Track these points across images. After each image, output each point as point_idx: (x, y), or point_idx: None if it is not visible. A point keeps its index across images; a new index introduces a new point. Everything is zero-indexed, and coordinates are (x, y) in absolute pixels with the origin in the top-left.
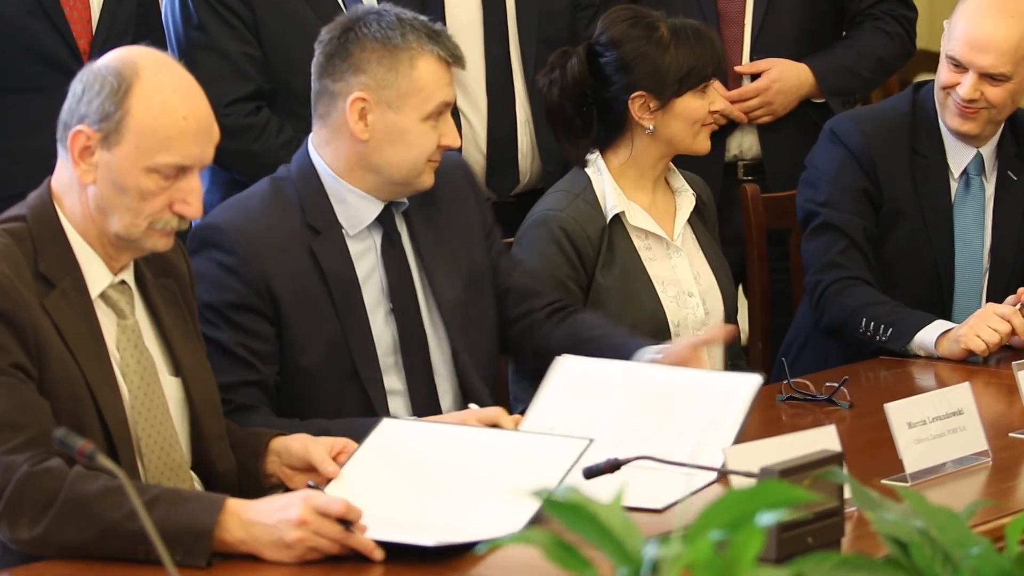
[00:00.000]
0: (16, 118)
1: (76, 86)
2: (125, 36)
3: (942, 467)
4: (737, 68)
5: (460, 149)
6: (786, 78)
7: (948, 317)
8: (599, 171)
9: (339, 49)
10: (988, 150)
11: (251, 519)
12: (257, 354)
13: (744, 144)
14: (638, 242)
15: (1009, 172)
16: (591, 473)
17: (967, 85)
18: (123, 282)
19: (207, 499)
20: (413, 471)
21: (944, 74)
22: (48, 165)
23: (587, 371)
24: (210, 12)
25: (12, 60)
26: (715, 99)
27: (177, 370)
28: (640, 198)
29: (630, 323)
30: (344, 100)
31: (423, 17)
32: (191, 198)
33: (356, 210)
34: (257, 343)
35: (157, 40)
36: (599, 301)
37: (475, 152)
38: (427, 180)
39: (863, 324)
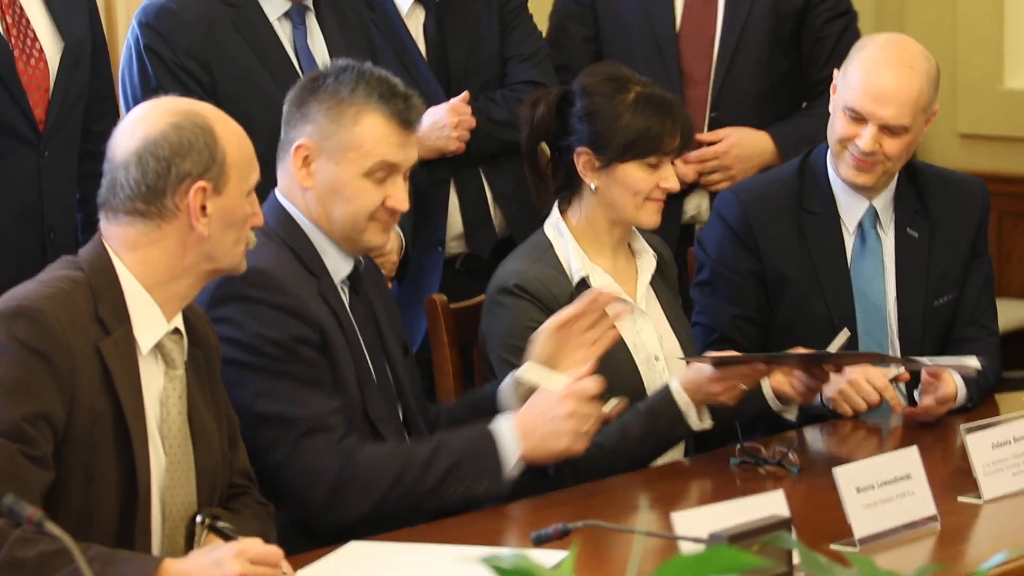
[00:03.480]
0: None
1: (148, 157)
2: (78, 105)
3: (891, 532)
4: (698, 136)
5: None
6: (745, 144)
7: None
8: (560, 234)
9: (298, 99)
10: (882, 202)
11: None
12: (326, 385)
13: (701, 207)
14: None
15: (909, 229)
16: (540, 540)
17: (867, 137)
18: (176, 330)
19: (142, 559)
20: None
21: (841, 126)
22: (9, 228)
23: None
24: (169, 75)
25: None
26: (667, 176)
27: (192, 439)
28: (601, 262)
29: (607, 386)
30: (292, 146)
31: (393, 78)
32: (259, 209)
33: (335, 262)
34: (323, 374)
35: (108, 109)
36: None
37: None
38: (372, 239)
39: None
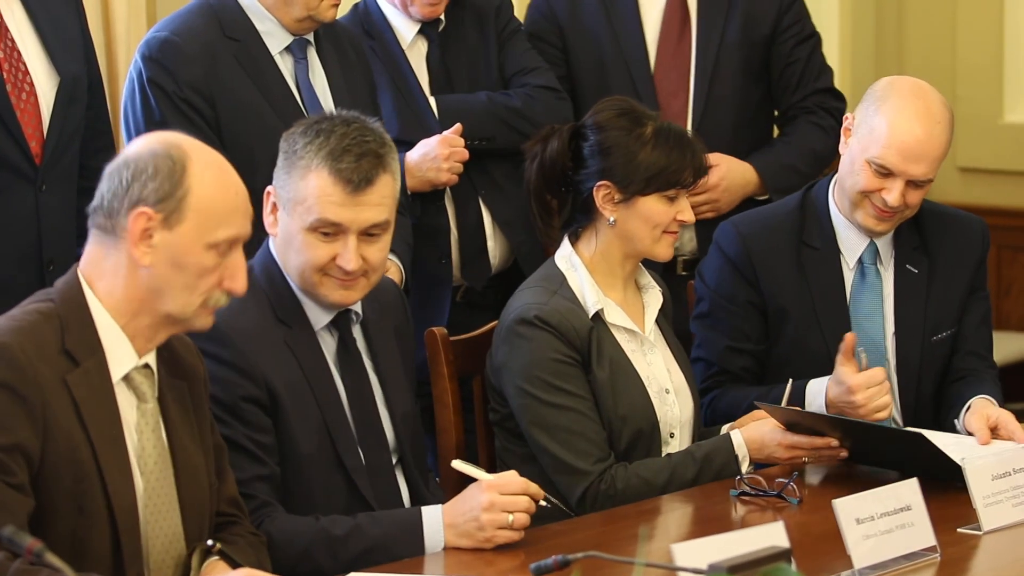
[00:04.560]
0: None
1: (121, 172)
2: (75, 139)
3: (890, 563)
4: None
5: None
6: (732, 176)
7: None
8: (574, 267)
9: (281, 144)
10: (883, 240)
11: None
12: (264, 447)
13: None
14: (619, 337)
15: (908, 265)
16: (540, 571)
17: (896, 192)
18: (147, 365)
19: None
20: None
21: (865, 179)
22: (8, 262)
23: None
24: (172, 109)
25: None
26: (683, 209)
27: (175, 470)
28: (613, 295)
29: (622, 417)
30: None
31: (367, 133)
32: (238, 273)
33: (312, 310)
34: (263, 436)
35: (105, 143)
36: (595, 394)
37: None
38: (328, 293)
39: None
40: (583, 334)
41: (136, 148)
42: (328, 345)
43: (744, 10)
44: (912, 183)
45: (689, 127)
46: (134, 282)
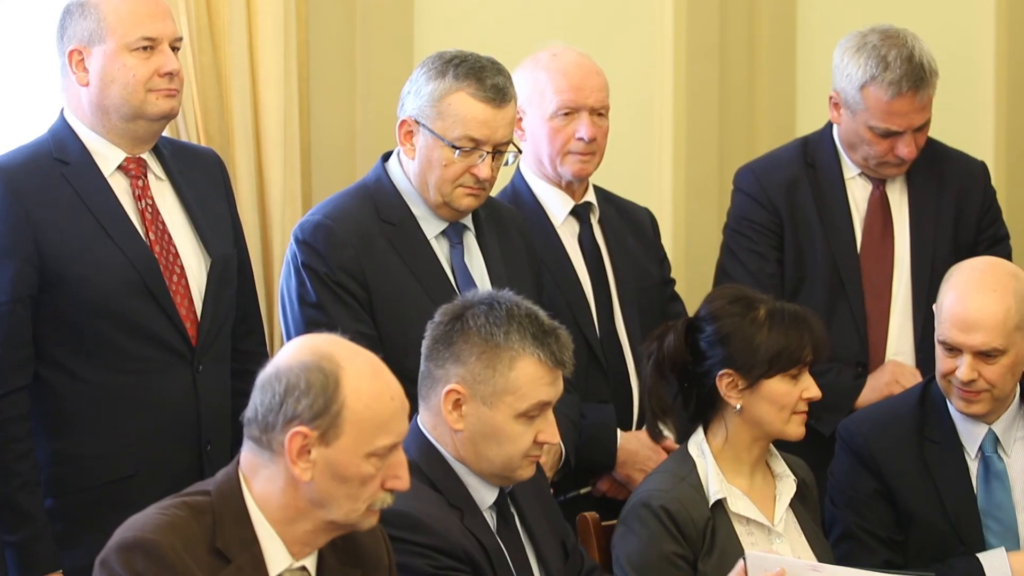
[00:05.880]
0: (123, 399)
1: (273, 386)
2: (228, 321)
3: None
4: None
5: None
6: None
7: None
8: (703, 454)
9: (445, 336)
10: (1002, 426)
11: None
12: None
13: None
14: (739, 528)
15: None
16: None
17: (964, 367)
18: (303, 568)
19: None
20: None
21: (942, 362)
22: (157, 448)
23: None
24: (327, 292)
25: (121, 341)
26: (809, 386)
27: None
28: (739, 482)
29: None
30: (442, 387)
31: (538, 311)
32: (401, 472)
33: (478, 492)
34: None
35: (254, 327)
36: None
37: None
38: (524, 474)
39: None
40: (700, 526)
41: (287, 359)
42: (493, 523)
43: (954, 216)
44: (981, 356)
45: (913, 338)
46: (293, 494)
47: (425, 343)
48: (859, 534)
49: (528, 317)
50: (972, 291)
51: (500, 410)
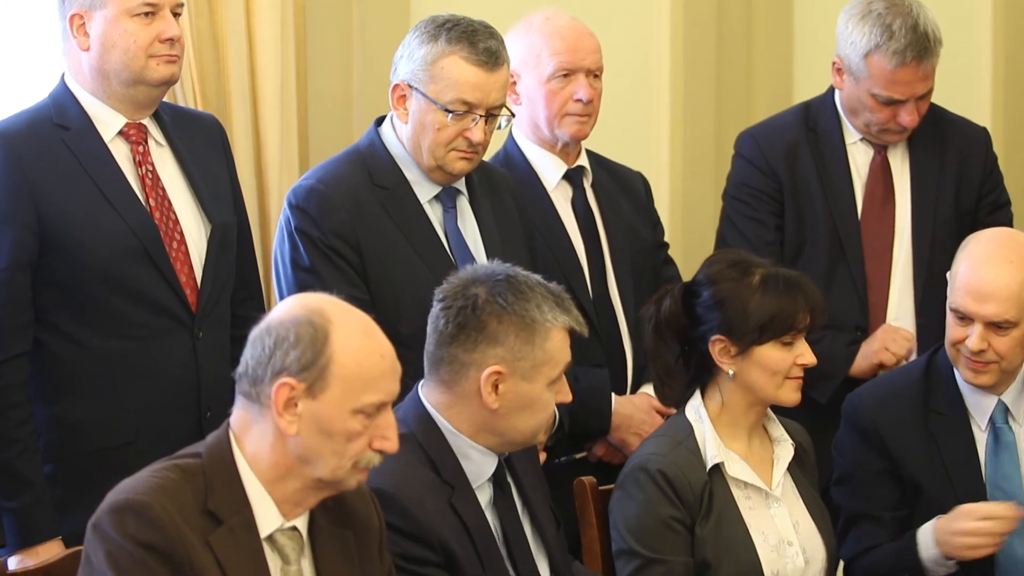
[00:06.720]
0: (123, 366)
1: (263, 340)
2: (227, 287)
3: None
4: None
5: None
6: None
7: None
8: (700, 418)
9: (472, 320)
10: (1012, 395)
11: None
12: None
13: None
14: (737, 492)
15: None
16: None
17: (974, 336)
18: (294, 528)
19: None
20: None
21: (952, 329)
22: (157, 415)
23: None
24: (320, 256)
25: (122, 307)
26: (804, 352)
27: None
28: (736, 447)
29: (715, 571)
30: (479, 371)
31: (543, 281)
32: (389, 432)
33: (478, 465)
34: None
35: (253, 292)
36: (695, 551)
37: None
38: (543, 437)
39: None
40: (697, 490)
41: (279, 314)
42: (489, 493)
43: (955, 182)
44: (992, 326)
45: (914, 302)
46: (282, 450)
47: (442, 330)
48: (863, 518)
49: (542, 287)
50: (988, 261)
51: (538, 382)
